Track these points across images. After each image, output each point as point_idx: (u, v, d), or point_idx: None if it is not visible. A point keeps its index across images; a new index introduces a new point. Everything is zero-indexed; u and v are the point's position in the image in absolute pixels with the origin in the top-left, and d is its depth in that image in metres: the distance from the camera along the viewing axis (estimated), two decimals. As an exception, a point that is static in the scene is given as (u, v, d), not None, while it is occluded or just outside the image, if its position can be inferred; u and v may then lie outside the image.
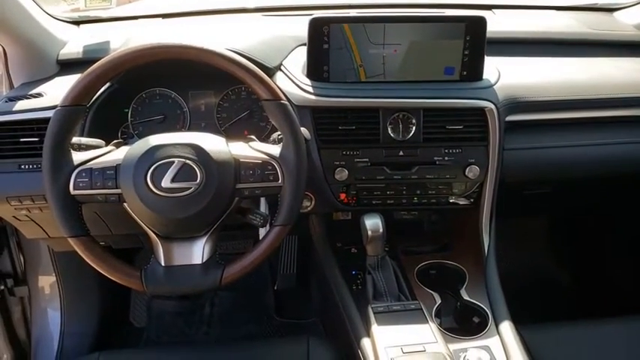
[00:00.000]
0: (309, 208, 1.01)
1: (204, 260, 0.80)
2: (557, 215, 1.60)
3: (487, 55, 1.02)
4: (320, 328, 1.34)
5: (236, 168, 0.79)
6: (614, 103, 1.06)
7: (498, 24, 1.25)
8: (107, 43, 1.10)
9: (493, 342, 0.84)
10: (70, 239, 0.76)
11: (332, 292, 1.00)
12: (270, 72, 0.97)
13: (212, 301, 1.47)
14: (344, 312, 0.93)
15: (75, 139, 0.81)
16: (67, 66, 1.07)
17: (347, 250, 1.09)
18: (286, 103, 0.81)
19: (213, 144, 0.79)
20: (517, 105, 1.01)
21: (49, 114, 0.78)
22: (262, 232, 0.90)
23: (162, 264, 0.79)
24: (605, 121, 1.07)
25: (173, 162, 0.75)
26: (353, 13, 1.13)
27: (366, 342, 0.83)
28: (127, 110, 1.06)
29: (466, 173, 0.98)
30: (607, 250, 1.55)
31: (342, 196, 1.01)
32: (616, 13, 1.34)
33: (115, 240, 1.16)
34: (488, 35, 0.97)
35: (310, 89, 0.95)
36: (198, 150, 0.77)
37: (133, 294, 1.51)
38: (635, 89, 1.07)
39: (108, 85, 0.96)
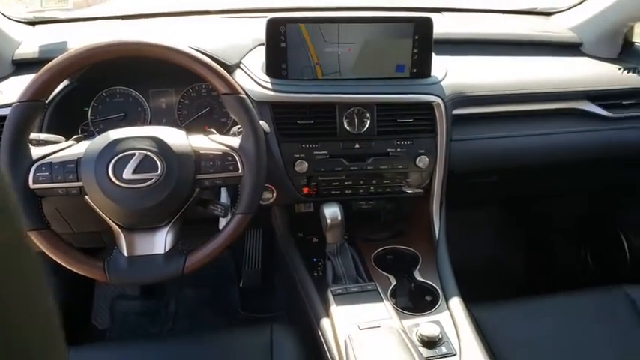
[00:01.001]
0: (270, 201, 1.05)
1: (166, 250, 0.82)
2: (505, 203, 1.70)
3: (436, 55, 1.09)
4: (285, 319, 1.37)
5: (196, 159, 0.82)
6: (551, 96, 1.15)
7: (447, 26, 1.34)
8: (64, 43, 1.10)
9: (443, 317, 0.90)
10: (30, 233, 0.77)
11: (294, 280, 1.04)
12: (230, 69, 1.00)
13: (177, 300, 1.48)
14: (305, 296, 0.97)
15: (34, 135, 0.82)
16: (22, 66, 1.07)
17: (308, 240, 1.13)
18: (244, 96, 0.84)
19: (174, 137, 0.82)
20: (462, 99, 1.08)
21: (6, 111, 0.78)
22: (223, 223, 0.93)
23: (125, 254, 0.81)
24: (544, 113, 1.16)
25: (134, 154, 0.78)
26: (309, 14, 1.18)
27: (325, 322, 0.88)
28: (86, 109, 1.07)
29: (417, 163, 1.04)
30: (552, 233, 1.67)
31: (305, 190, 1.05)
32: (553, 17, 1.45)
33: (77, 239, 1.16)
34: (437, 36, 1.04)
35: (269, 85, 0.99)
36: (158, 142, 0.80)
37: (95, 295, 1.49)
38: (568, 84, 1.16)
39: (67, 82, 0.97)
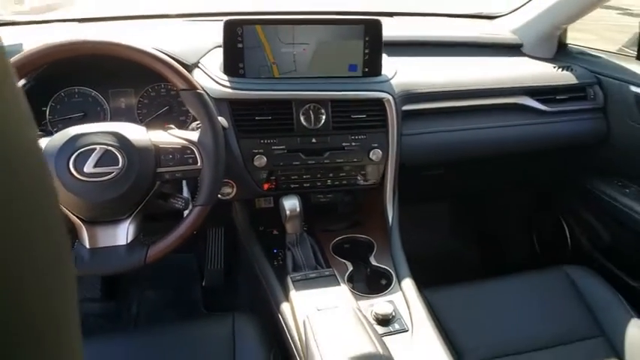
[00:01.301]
0: (231, 195, 1.08)
1: (128, 241, 0.84)
2: (458, 197, 1.79)
3: (387, 56, 1.16)
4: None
5: (156, 153, 0.85)
6: (493, 92, 1.23)
7: (397, 29, 1.41)
8: (20, 45, 1.11)
9: (396, 297, 0.95)
10: None
11: (255, 271, 1.07)
12: (188, 69, 1.03)
13: (139, 301, 1.48)
14: (266, 284, 1.01)
15: None
16: None
17: (269, 233, 1.17)
18: (202, 92, 0.88)
19: (134, 132, 0.84)
20: (411, 96, 1.15)
21: None
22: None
23: (87, 246, 0.83)
24: (488, 108, 1.24)
25: (95, 149, 0.80)
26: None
27: (285, 306, 0.92)
28: (44, 108, 1.08)
29: (370, 156, 1.10)
30: (502, 223, 1.77)
31: (264, 184, 1.09)
32: (496, 20, 1.55)
33: None
34: (388, 38, 1.11)
35: (227, 84, 1.03)
36: (119, 137, 0.82)
37: None
38: (509, 81, 1.25)
39: (24, 82, 0.98)
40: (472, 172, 1.41)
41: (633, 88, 1.21)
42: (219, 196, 1.01)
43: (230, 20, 1.03)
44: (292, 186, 1.11)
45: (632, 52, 1.29)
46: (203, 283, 1.54)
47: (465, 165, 1.33)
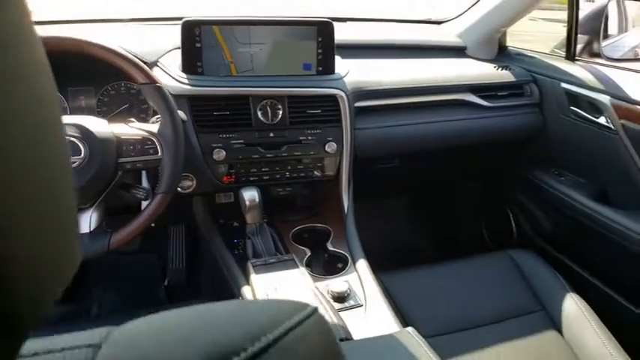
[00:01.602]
0: (191, 189, 1.11)
1: (91, 229, 0.87)
2: (412, 190, 1.88)
3: (341, 58, 1.23)
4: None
5: (118, 144, 0.88)
6: (440, 89, 1.33)
7: (351, 33, 1.49)
8: None
9: (351, 277, 1.01)
10: None
11: (217, 262, 1.10)
12: (148, 66, 1.07)
13: (99, 302, 1.47)
14: (227, 272, 1.04)
15: None
16: None
17: (229, 225, 1.20)
18: (162, 85, 0.92)
19: (95, 123, 0.87)
20: (363, 93, 1.23)
21: None
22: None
23: None
24: (436, 104, 1.33)
25: None
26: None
27: (245, 289, 0.96)
28: None
29: (326, 149, 1.16)
30: (453, 213, 1.87)
31: (224, 177, 1.13)
32: (442, 25, 1.65)
33: None
34: (341, 41, 1.18)
35: (186, 81, 1.07)
36: (81, 128, 0.85)
37: None
38: (454, 79, 1.35)
39: None
40: (423, 165, 1.50)
41: (563, 85, 1.33)
42: (179, 189, 1.04)
43: (188, 21, 1.08)
44: (251, 179, 1.15)
45: (562, 53, 1.42)
46: (166, 282, 1.55)
47: (416, 158, 1.42)
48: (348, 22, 1.60)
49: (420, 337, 0.73)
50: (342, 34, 1.18)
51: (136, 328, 0.25)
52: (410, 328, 0.75)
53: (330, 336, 0.29)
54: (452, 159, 1.50)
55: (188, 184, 1.10)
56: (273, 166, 1.16)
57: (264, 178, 1.16)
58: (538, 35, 2.03)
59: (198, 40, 1.09)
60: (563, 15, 1.40)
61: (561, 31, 1.45)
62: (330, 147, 1.16)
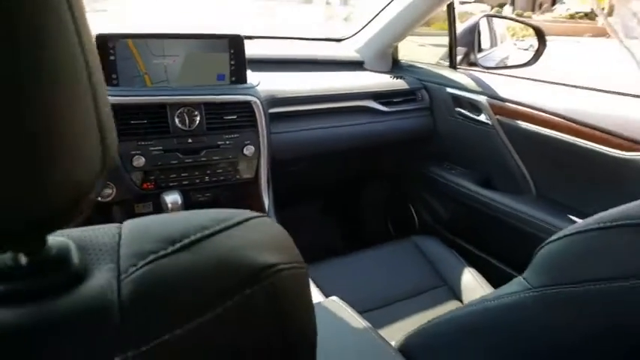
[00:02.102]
0: (111, 197, 1.12)
1: None
2: (321, 187, 2.00)
3: (252, 71, 1.32)
4: None
5: None
6: (343, 97, 1.47)
7: (260, 49, 1.60)
8: None
9: None
10: None
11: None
12: None
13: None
14: None
15: None
16: None
17: None
18: None
19: None
20: (275, 100, 1.33)
21: None
22: None
23: None
24: (341, 110, 1.47)
25: None
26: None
27: None
28: None
29: (244, 152, 1.24)
30: (364, 211, 2.02)
31: (144, 184, 1.15)
32: (342, 42, 1.82)
33: None
34: (251, 56, 1.27)
35: None
36: None
37: None
38: (356, 88, 1.50)
39: None
40: (335, 165, 1.63)
41: (449, 90, 1.53)
42: (99, 198, 1.06)
43: (102, 34, 1.11)
44: (171, 184, 1.19)
45: (446, 63, 1.64)
46: None
47: (328, 159, 1.54)
48: (257, 40, 1.71)
49: (345, 303, 0.81)
50: (252, 49, 1.27)
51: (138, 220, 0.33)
52: (334, 297, 0.84)
53: (276, 227, 0.38)
54: (358, 160, 1.65)
55: (108, 192, 1.12)
56: (193, 171, 1.21)
57: (184, 183, 1.20)
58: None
59: (112, 53, 1.12)
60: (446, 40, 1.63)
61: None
62: (248, 150, 1.24)
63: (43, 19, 0.22)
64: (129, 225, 0.32)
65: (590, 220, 0.44)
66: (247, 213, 0.37)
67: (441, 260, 1.35)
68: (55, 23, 0.22)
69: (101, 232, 0.31)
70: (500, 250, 1.47)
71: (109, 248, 0.30)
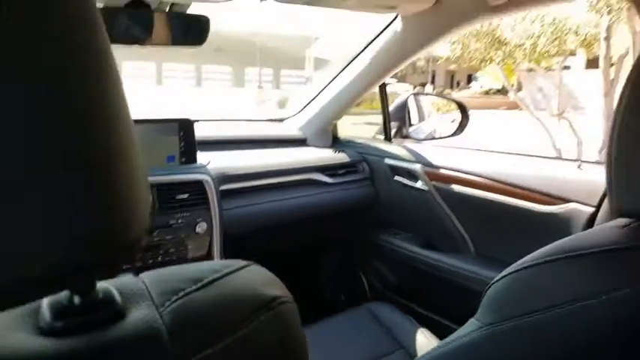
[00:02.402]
0: None
1: None
2: (274, 257, 2.00)
3: (202, 151, 1.37)
4: None
5: None
6: (291, 171, 1.54)
7: (209, 131, 1.66)
8: None
9: None
10: None
11: None
12: None
13: None
14: None
15: None
16: None
17: None
18: None
19: None
20: (226, 177, 1.37)
21: None
22: None
23: None
24: (289, 184, 1.54)
25: None
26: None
27: None
28: None
29: (196, 230, 1.25)
30: (319, 277, 2.03)
31: None
32: (285, 121, 1.93)
33: None
34: (201, 138, 1.33)
35: None
36: None
37: None
38: (302, 163, 1.59)
39: None
40: (287, 237, 1.66)
41: (387, 160, 1.66)
42: None
43: None
44: (124, 267, 1.17)
45: (381, 136, 1.78)
46: None
47: (280, 230, 1.57)
48: (203, 122, 1.78)
49: None
50: (201, 132, 1.34)
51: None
52: None
53: (269, 272, 0.44)
54: (309, 230, 1.70)
55: None
56: (146, 252, 1.20)
57: (137, 265, 1.19)
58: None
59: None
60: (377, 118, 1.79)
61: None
62: (201, 227, 1.26)
63: (103, 80, 0.27)
64: (148, 275, 0.39)
65: (530, 257, 0.50)
66: (244, 262, 0.43)
67: (395, 325, 1.39)
68: (112, 81, 0.28)
69: (126, 280, 0.38)
70: (449, 308, 1.53)
71: (139, 291, 0.36)
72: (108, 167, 0.26)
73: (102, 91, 0.26)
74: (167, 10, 1.13)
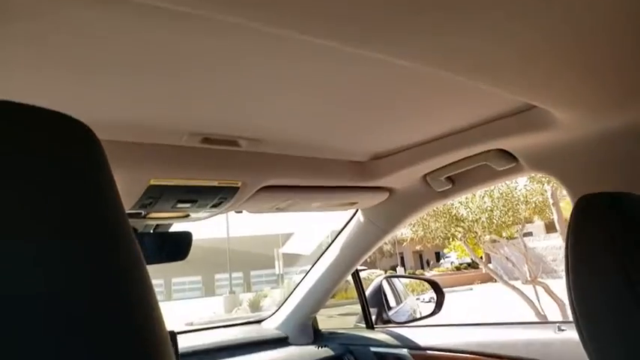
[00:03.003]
0: None
1: None
2: None
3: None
4: None
5: None
6: None
7: (187, 340, 1.61)
8: None
9: None
10: None
11: None
12: None
13: None
14: None
15: None
16: None
17: None
18: None
19: None
20: None
21: None
22: None
23: None
24: None
25: None
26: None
27: None
28: None
29: None
30: None
31: None
32: (262, 323, 1.91)
33: None
34: (185, 350, 1.31)
35: None
36: None
37: None
38: None
39: None
40: None
41: (372, 349, 1.62)
42: None
43: None
44: None
45: (363, 325, 1.77)
46: None
47: None
48: (181, 334, 1.74)
49: None
50: (182, 343, 1.32)
51: None
52: None
53: None
54: None
55: None
56: None
57: None
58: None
59: None
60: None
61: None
62: None
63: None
64: None
65: None
66: None
67: None
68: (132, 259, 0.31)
69: None
70: None
71: None
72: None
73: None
74: (152, 231, 1.22)
